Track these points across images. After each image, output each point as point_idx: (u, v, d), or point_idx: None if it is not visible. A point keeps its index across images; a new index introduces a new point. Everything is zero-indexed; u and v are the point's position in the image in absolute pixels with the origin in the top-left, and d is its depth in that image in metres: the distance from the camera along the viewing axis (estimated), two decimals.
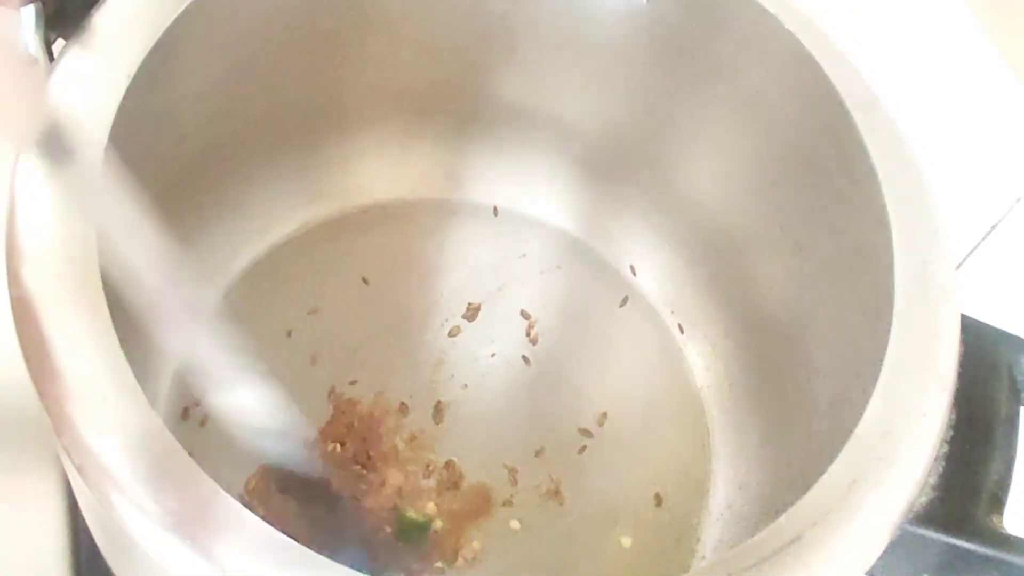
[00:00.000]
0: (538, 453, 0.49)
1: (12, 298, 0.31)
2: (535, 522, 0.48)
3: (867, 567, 0.32)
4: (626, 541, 0.48)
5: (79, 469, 0.29)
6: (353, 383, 0.49)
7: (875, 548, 0.32)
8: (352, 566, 0.28)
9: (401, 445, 0.48)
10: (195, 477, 0.29)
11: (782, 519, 0.31)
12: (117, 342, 0.30)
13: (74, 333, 0.30)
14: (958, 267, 0.55)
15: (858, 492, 0.32)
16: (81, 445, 0.29)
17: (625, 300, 0.55)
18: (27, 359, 0.30)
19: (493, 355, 0.52)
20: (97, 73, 0.36)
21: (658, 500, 0.49)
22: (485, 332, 0.53)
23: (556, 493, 0.48)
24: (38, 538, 0.44)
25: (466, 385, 0.51)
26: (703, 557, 0.48)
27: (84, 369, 0.30)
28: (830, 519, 0.31)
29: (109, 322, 0.31)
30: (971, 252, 0.60)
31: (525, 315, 0.53)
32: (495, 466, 0.49)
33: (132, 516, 0.28)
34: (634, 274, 0.56)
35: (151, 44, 0.37)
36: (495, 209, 0.56)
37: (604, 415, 0.51)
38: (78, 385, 0.30)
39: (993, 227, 0.61)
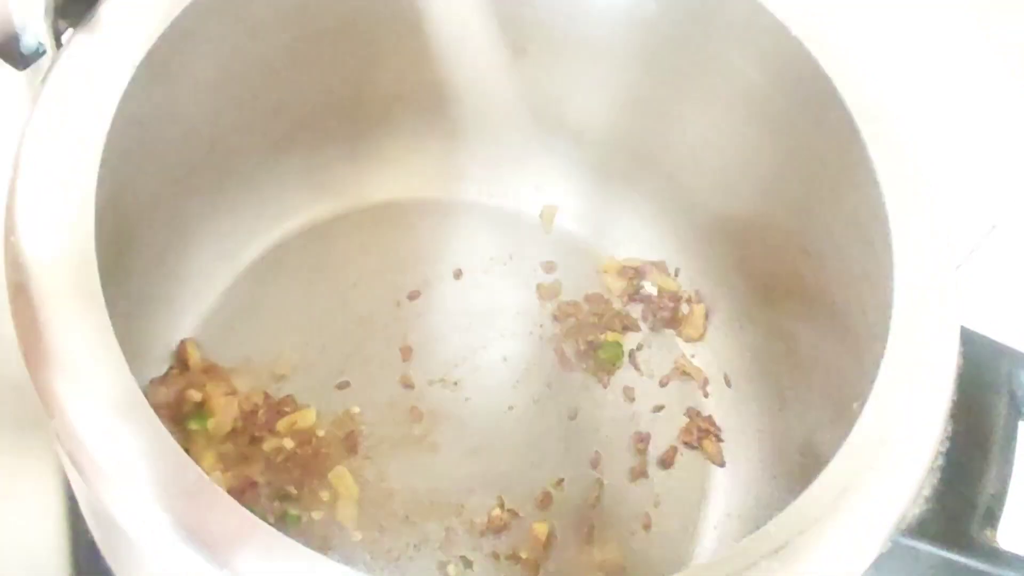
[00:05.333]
0: (538, 453, 0.49)
1: (9, 284, 0.31)
2: (529, 522, 0.47)
3: None
4: (621, 547, 0.48)
5: (69, 455, 0.29)
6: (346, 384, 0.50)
7: (864, 558, 0.32)
8: None
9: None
10: (183, 464, 0.29)
11: (770, 525, 0.31)
12: (112, 331, 0.31)
13: (70, 321, 0.30)
14: (958, 268, 0.55)
15: (848, 501, 0.32)
16: (72, 431, 0.29)
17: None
18: (22, 345, 0.30)
19: (495, 353, 0.52)
20: (102, 62, 0.36)
21: (656, 504, 0.49)
22: (487, 331, 0.53)
23: (547, 494, 0.48)
24: (38, 537, 0.44)
25: (468, 384, 0.51)
26: None
27: (78, 355, 0.30)
28: (818, 527, 0.31)
29: (105, 314, 0.31)
30: (971, 252, 0.60)
31: (528, 314, 0.53)
32: (490, 460, 0.49)
33: (121, 504, 0.28)
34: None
35: (158, 35, 0.37)
36: (501, 209, 0.56)
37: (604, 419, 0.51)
38: (72, 371, 0.30)
39: (993, 227, 0.60)
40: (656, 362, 0.53)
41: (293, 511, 0.46)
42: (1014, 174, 0.64)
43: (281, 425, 0.47)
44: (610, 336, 0.52)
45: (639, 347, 0.53)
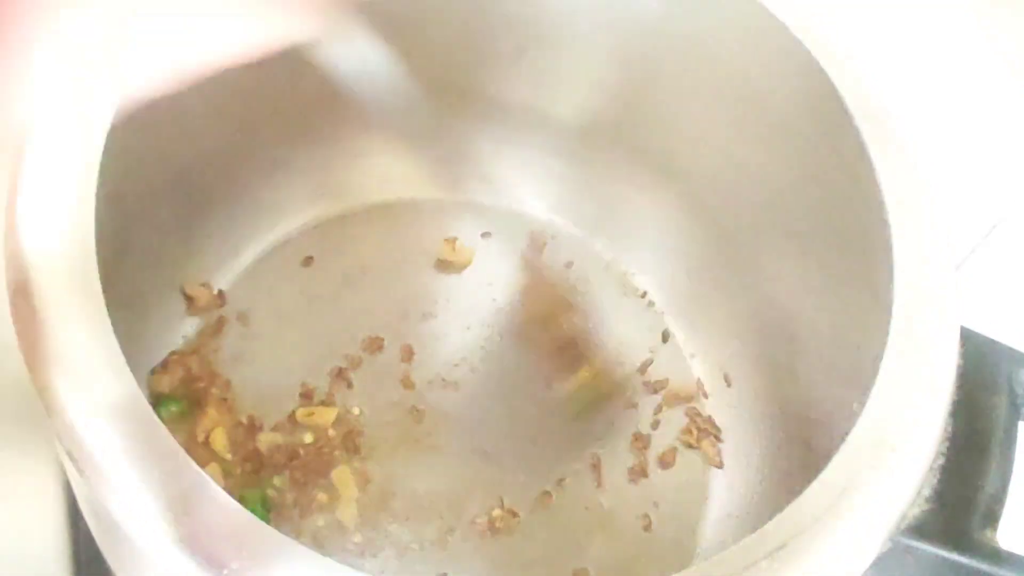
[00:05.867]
0: (538, 453, 0.49)
1: (9, 284, 0.31)
2: (529, 522, 0.47)
3: None
4: (620, 547, 0.48)
5: (69, 455, 0.29)
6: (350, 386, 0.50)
7: (864, 558, 0.32)
8: None
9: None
10: (183, 464, 0.29)
11: (769, 525, 0.31)
12: (112, 331, 0.31)
13: (70, 321, 0.30)
14: (958, 267, 0.55)
15: (848, 501, 0.31)
16: (72, 431, 0.29)
17: (626, 303, 0.55)
18: (22, 345, 0.30)
19: (495, 353, 0.52)
20: (101, 63, 0.36)
21: (656, 506, 0.49)
22: (487, 331, 0.53)
23: (547, 495, 0.48)
24: (38, 537, 0.44)
25: (468, 384, 0.51)
26: None
27: (78, 355, 0.30)
28: (818, 527, 0.31)
29: (105, 314, 0.31)
30: (971, 252, 0.60)
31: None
32: (490, 461, 0.49)
33: (121, 504, 0.28)
34: (637, 277, 0.55)
35: None
36: (501, 209, 0.56)
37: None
38: (72, 371, 0.30)
39: (993, 227, 0.61)
40: (656, 362, 0.53)
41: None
42: (1014, 174, 0.64)
43: (300, 414, 0.48)
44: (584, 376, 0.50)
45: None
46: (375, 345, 0.51)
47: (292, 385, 0.49)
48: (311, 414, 0.48)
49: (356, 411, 0.49)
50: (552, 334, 0.49)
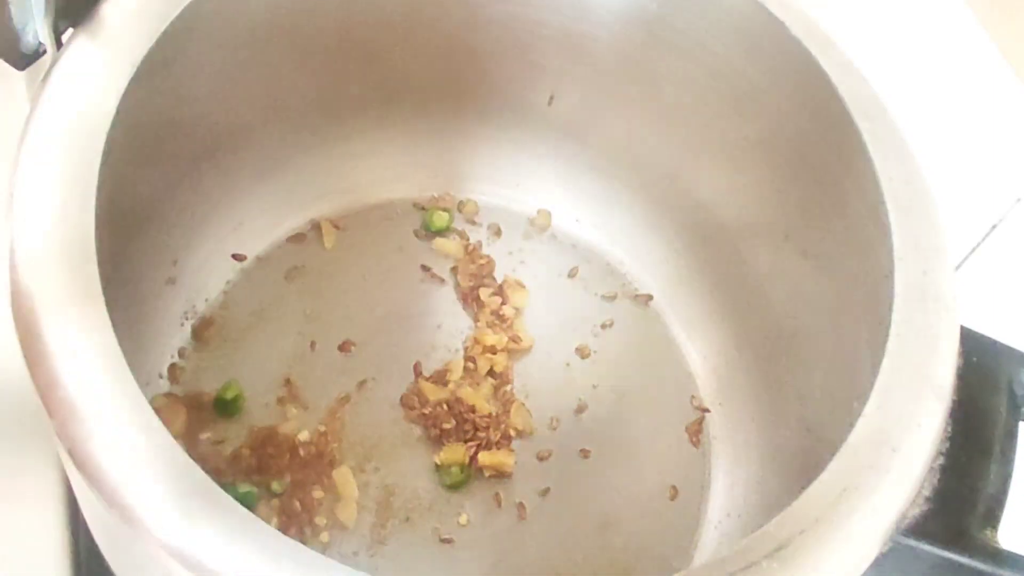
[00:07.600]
0: (537, 455, 0.49)
1: (12, 292, 0.31)
2: (529, 521, 0.48)
3: None
4: (620, 547, 0.48)
5: (70, 455, 0.29)
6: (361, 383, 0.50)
7: (864, 558, 0.32)
8: None
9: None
10: (183, 464, 0.29)
11: (770, 525, 0.31)
12: (112, 331, 0.31)
13: (70, 321, 0.30)
14: (958, 267, 0.55)
15: (848, 500, 0.32)
16: (72, 430, 0.29)
17: (627, 303, 0.55)
18: (22, 346, 0.30)
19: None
20: (102, 62, 0.36)
21: (656, 507, 0.49)
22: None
23: (547, 493, 0.48)
24: (38, 538, 0.44)
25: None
26: None
27: (78, 355, 0.30)
28: (818, 527, 0.31)
29: (105, 314, 0.31)
30: (971, 252, 0.60)
31: (525, 315, 0.53)
32: None
33: (121, 504, 0.28)
34: (637, 277, 0.55)
35: (157, 35, 0.37)
36: (501, 209, 0.56)
37: (603, 420, 0.51)
38: (72, 371, 0.30)
39: (993, 227, 0.61)
40: (654, 361, 0.53)
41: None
42: (1014, 174, 0.64)
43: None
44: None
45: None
46: (376, 346, 0.51)
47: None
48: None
49: (355, 411, 0.49)
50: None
